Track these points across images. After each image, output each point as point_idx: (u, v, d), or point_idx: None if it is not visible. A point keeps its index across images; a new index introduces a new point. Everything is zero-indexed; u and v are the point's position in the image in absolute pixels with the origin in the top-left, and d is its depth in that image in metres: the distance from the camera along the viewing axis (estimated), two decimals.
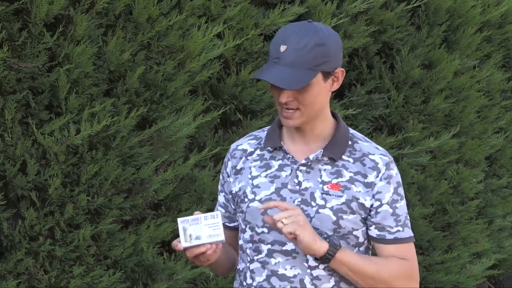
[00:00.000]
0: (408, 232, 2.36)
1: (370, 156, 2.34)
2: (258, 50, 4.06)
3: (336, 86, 2.32)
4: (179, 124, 3.65)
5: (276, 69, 2.25)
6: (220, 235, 2.23)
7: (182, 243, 2.24)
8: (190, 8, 3.74)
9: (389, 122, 4.92)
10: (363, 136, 2.43)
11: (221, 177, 2.51)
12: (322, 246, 2.23)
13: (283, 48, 2.24)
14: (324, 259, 2.25)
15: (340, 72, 2.31)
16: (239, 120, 4.09)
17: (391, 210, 2.32)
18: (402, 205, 2.35)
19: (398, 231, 2.33)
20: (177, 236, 3.80)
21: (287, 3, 4.18)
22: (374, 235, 2.34)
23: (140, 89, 3.61)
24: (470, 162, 5.41)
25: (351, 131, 2.40)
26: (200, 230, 2.23)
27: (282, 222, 2.20)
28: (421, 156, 4.95)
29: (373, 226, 2.33)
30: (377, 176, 2.32)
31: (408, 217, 2.38)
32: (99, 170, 3.45)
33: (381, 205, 2.32)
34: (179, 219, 2.23)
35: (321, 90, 2.28)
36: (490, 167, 5.69)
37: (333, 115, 2.41)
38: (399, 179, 2.37)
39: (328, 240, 2.25)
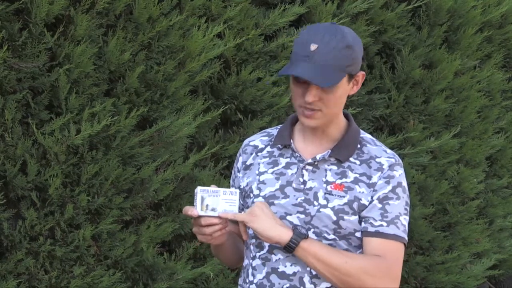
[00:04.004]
0: (394, 230, 2.29)
1: (377, 159, 2.33)
2: (258, 50, 4.06)
3: (355, 89, 2.33)
4: (180, 124, 3.65)
5: (307, 66, 2.23)
6: (234, 212, 2.27)
7: (197, 210, 2.26)
8: (190, 8, 3.74)
9: (390, 122, 4.92)
10: (373, 139, 2.41)
11: (232, 172, 2.53)
12: (283, 234, 2.23)
13: (313, 46, 2.23)
14: (288, 248, 2.24)
15: (361, 76, 2.32)
16: (240, 120, 4.08)
17: (379, 205, 2.29)
18: (396, 204, 2.30)
19: (381, 225, 2.28)
20: (177, 236, 3.85)
21: (287, 3, 4.18)
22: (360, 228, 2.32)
23: (141, 89, 3.61)
24: (471, 162, 5.41)
25: (362, 134, 2.39)
26: (217, 203, 2.26)
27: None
28: (422, 156, 4.94)
29: (362, 220, 2.31)
30: (379, 177, 2.31)
31: (402, 221, 2.31)
32: (100, 170, 3.45)
33: (372, 201, 2.30)
34: (199, 187, 2.27)
35: (344, 92, 2.29)
36: (490, 167, 5.68)
37: (346, 116, 2.41)
38: (402, 180, 2.33)
39: (293, 228, 2.25)
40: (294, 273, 2.30)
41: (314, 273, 2.29)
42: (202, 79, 3.82)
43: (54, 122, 3.33)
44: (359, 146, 2.36)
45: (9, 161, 3.27)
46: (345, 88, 2.29)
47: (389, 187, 2.31)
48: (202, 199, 2.26)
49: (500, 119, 5.69)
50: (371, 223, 2.29)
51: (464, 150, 5.32)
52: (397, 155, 2.38)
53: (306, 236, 2.25)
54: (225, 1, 3.91)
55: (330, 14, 4.26)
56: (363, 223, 2.30)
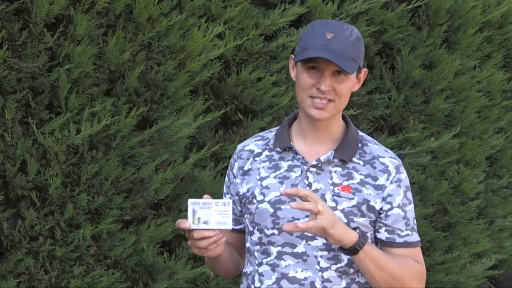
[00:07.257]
0: (416, 237, 2.37)
1: (381, 159, 2.33)
2: (258, 50, 4.06)
3: (357, 86, 2.34)
4: (180, 124, 3.65)
5: (325, 52, 2.22)
6: (228, 223, 2.20)
7: (189, 223, 2.20)
8: (190, 8, 3.74)
9: (390, 122, 4.93)
10: (372, 138, 2.41)
11: (226, 178, 2.47)
12: (352, 237, 2.19)
13: (330, 35, 2.24)
14: (352, 250, 2.20)
15: (363, 72, 2.34)
16: (240, 120, 4.08)
17: (402, 213, 2.31)
18: (410, 209, 2.34)
19: (408, 235, 2.33)
20: (178, 236, 3.85)
21: (287, 3, 4.18)
22: (384, 238, 2.32)
23: (141, 89, 3.61)
24: (471, 162, 5.41)
25: (360, 133, 2.39)
26: (209, 215, 2.20)
27: (319, 211, 2.14)
28: (422, 156, 4.95)
29: (383, 229, 2.31)
30: (388, 179, 2.30)
31: (416, 222, 2.38)
32: (100, 170, 3.45)
33: (392, 208, 2.30)
34: (190, 200, 2.20)
35: (352, 85, 2.30)
36: (490, 167, 5.69)
37: (343, 117, 2.40)
38: (408, 183, 2.35)
39: (358, 230, 2.22)
40: (305, 278, 2.28)
41: (325, 277, 2.28)
42: (202, 79, 3.82)
43: (54, 122, 3.33)
44: (360, 145, 2.35)
45: (9, 161, 3.27)
46: (353, 81, 2.30)
47: (402, 192, 2.32)
48: (194, 212, 2.20)
49: (500, 119, 5.69)
50: (398, 234, 2.32)
51: (464, 150, 5.32)
52: (397, 156, 2.39)
53: (367, 239, 2.25)
54: (225, 1, 3.91)
55: (330, 14, 4.26)
56: (386, 234, 2.32)
